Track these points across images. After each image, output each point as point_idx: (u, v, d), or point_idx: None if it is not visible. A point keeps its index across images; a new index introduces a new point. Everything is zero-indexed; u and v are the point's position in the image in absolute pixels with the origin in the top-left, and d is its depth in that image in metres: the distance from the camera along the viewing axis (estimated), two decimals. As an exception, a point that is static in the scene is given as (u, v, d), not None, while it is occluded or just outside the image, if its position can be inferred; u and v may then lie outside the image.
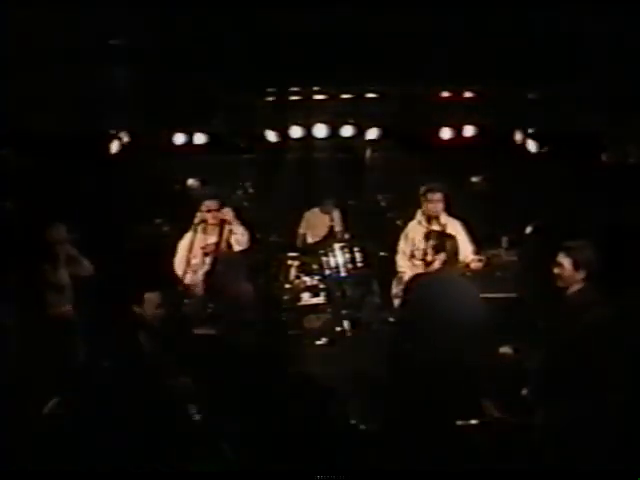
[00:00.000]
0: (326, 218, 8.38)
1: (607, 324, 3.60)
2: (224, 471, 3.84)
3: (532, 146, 7.53)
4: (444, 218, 6.30)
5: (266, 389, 4.25)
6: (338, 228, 8.32)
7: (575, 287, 3.70)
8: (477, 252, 6.19)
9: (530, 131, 7.52)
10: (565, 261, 3.74)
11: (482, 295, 6.78)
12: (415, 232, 6.38)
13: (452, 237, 5.30)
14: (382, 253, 7.64)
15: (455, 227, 6.33)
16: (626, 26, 5.74)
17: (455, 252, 5.13)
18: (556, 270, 3.85)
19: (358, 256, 7.58)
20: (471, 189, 8.28)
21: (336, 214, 8.41)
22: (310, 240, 8.48)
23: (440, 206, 6.26)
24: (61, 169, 7.00)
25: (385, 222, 8.04)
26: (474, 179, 8.62)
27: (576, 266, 3.69)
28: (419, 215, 6.40)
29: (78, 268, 5.74)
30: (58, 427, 4.31)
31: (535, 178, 7.58)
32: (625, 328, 3.72)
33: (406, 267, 6.36)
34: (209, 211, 6.25)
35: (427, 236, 5.25)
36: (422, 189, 6.36)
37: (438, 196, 6.24)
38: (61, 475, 3.85)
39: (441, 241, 5.00)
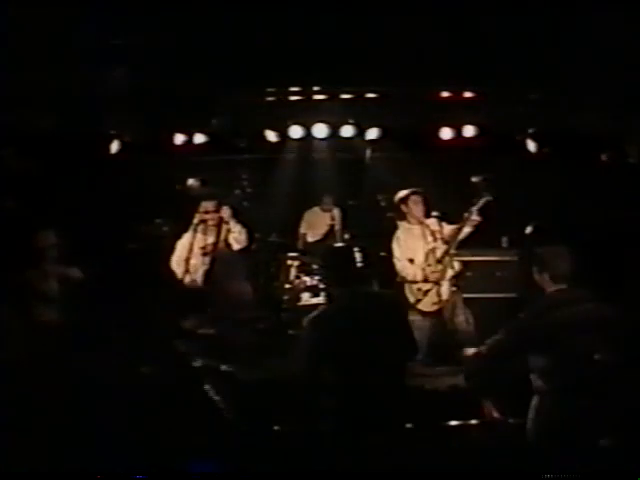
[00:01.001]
0: (326, 217, 8.39)
1: (582, 320, 3.71)
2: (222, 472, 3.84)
3: (532, 146, 7.53)
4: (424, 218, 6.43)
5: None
6: (338, 227, 8.32)
7: (552, 289, 3.84)
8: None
9: (530, 131, 7.51)
10: (533, 269, 3.94)
11: (482, 295, 6.84)
12: (407, 236, 6.44)
13: None
14: (382, 253, 7.63)
15: (438, 223, 6.45)
16: (626, 26, 5.74)
17: None
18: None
19: (358, 256, 7.58)
20: (471, 189, 8.26)
21: (336, 212, 8.42)
22: (310, 239, 8.48)
23: (423, 209, 6.38)
24: (61, 169, 7.00)
25: (385, 222, 8.02)
26: (474, 179, 8.61)
27: (540, 270, 3.87)
28: (405, 220, 6.48)
29: (66, 273, 5.72)
30: (58, 427, 4.31)
31: (535, 178, 7.58)
32: (612, 325, 3.82)
33: (407, 269, 6.39)
34: (207, 212, 6.27)
35: None
36: (402, 194, 6.44)
37: (420, 199, 6.37)
38: (61, 475, 3.85)
39: None
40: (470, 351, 4.20)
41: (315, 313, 3.87)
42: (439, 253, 6.32)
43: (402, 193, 6.48)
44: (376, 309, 3.88)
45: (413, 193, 6.43)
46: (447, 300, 6.32)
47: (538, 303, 3.86)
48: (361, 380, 3.65)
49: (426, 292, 6.32)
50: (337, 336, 3.71)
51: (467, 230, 6.30)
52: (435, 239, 6.36)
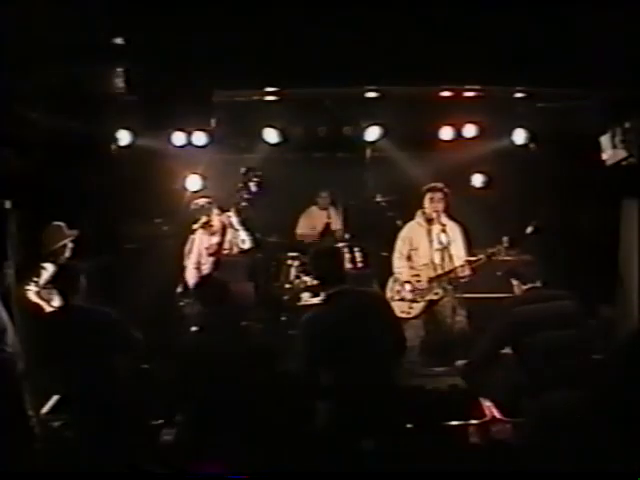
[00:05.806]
0: (323, 215, 8.42)
1: (548, 317, 4.01)
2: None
3: (532, 146, 7.53)
4: (444, 219, 6.32)
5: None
6: (335, 226, 8.33)
7: (523, 289, 4.26)
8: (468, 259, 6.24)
9: (530, 131, 7.51)
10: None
11: (482, 295, 6.84)
12: (413, 233, 6.41)
13: None
14: (382, 253, 7.63)
15: (454, 230, 6.35)
16: (626, 25, 5.74)
17: None
18: None
19: (358, 256, 7.59)
20: (471, 189, 8.27)
21: (332, 211, 8.44)
22: (308, 239, 8.47)
23: (441, 206, 6.28)
24: (61, 169, 6.99)
25: (385, 222, 8.03)
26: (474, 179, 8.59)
27: (511, 277, 4.36)
28: (418, 216, 6.42)
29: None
30: (58, 427, 4.31)
31: (535, 178, 7.58)
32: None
33: (403, 268, 6.39)
34: (210, 214, 6.29)
35: None
36: (424, 188, 6.39)
37: (439, 195, 6.27)
38: (61, 475, 3.86)
39: None
40: (460, 362, 4.43)
41: (309, 314, 3.97)
42: (439, 269, 6.21)
43: (423, 188, 6.36)
44: (366, 308, 3.95)
45: (431, 190, 6.31)
46: (417, 316, 6.23)
47: (504, 305, 4.19)
48: (354, 379, 3.70)
49: (402, 298, 6.26)
50: (330, 336, 3.77)
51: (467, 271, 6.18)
52: (445, 244, 6.20)
